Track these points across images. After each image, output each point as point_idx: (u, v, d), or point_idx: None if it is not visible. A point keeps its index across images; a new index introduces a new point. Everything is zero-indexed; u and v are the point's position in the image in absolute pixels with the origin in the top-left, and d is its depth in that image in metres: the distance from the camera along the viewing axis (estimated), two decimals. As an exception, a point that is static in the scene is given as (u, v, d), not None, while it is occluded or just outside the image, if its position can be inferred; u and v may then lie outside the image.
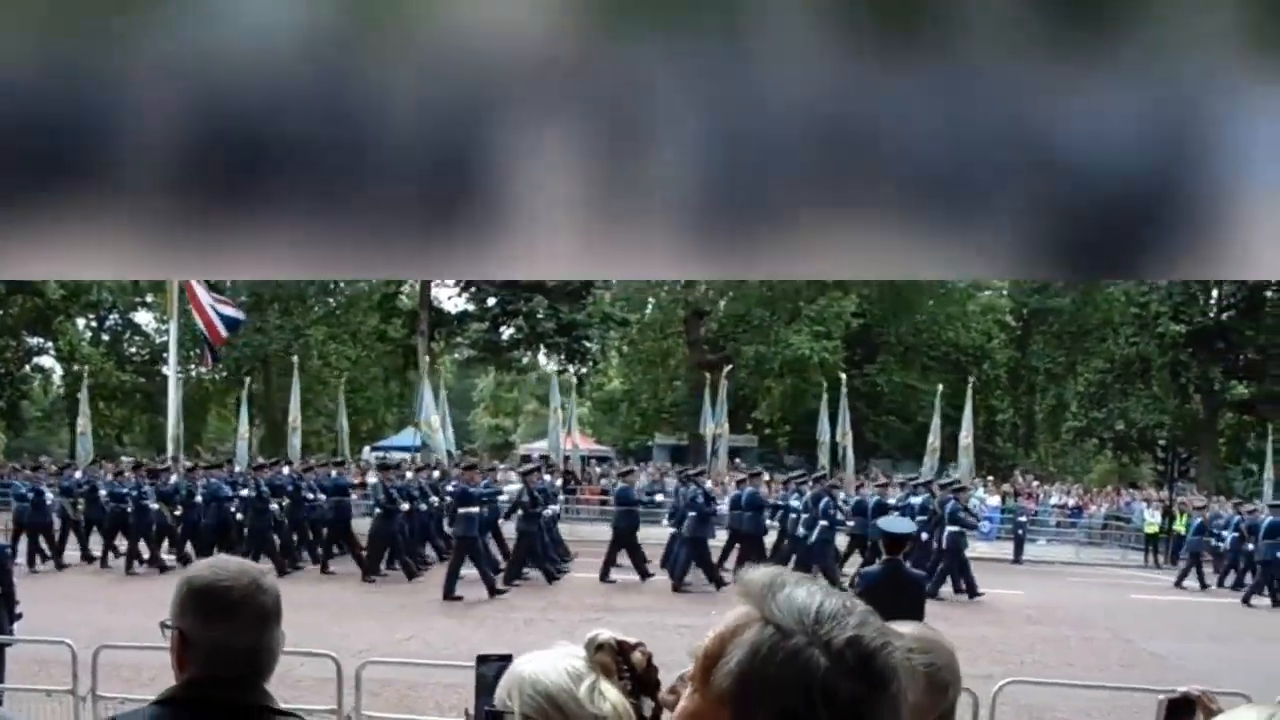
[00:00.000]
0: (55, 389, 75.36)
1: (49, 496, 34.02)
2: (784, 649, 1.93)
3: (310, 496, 34.34)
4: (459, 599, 27.33)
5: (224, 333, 51.35)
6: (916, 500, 34.08)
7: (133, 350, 71.24)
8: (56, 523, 34.92)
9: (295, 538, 34.17)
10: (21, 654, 14.69)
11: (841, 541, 33.32)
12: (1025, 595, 31.37)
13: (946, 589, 30.92)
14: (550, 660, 3.26)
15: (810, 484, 34.59)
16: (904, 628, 3.70)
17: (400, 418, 75.87)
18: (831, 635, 1.93)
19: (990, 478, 52.77)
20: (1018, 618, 27.67)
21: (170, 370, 51.56)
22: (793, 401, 60.37)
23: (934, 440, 48.06)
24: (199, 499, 33.69)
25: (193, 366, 62.10)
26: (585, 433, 72.35)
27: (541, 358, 65.08)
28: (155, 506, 33.56)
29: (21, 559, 32.11)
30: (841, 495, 35.17)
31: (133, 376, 68.13)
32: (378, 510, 31.88)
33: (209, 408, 75.16)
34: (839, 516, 32.58)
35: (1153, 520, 44.92)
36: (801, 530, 32.39)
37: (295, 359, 52.88)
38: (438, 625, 23.81)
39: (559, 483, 42.34)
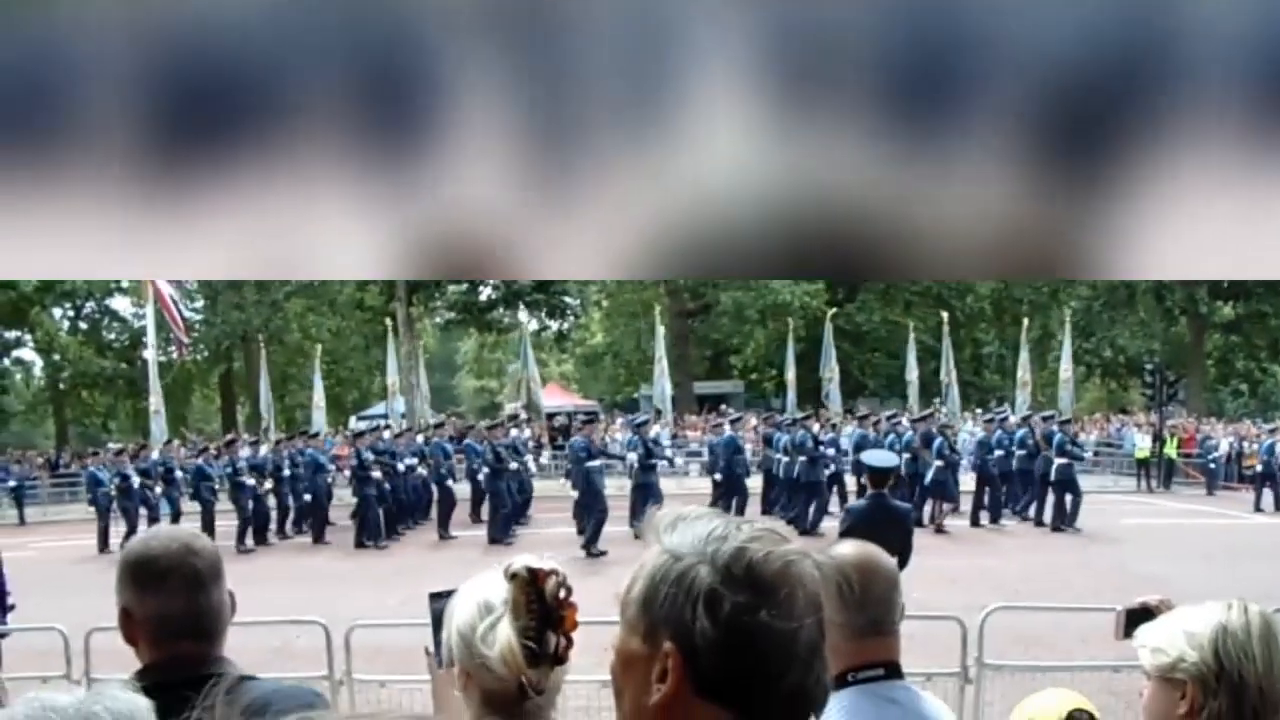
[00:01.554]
0: (36, 381, 75.08)
1: (135, 480, 33.63)
2: (675, 570, 2.09)
3: (405, 465, 34.15)
4: (604, 554, 27.27)
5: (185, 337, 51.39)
6: (1018, 434, 33.71)
7: (111, 337, 70.83)
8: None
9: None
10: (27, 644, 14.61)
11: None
12: (1020, 525, 31.33)
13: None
14: (475, 590, 3.28)
15: (909, 425, 34.80)
16: (842, 547, 3.66)
17: (384, 385, 75.76)
18: (718, 550, 2.08)
19: (978, 411, 52.77)
20: (1014, 547, 27.67)
21: (150, 354, 51.16)
22: (776, 346, 60.25)
23: (1024, 375, 48.85)
24: (287, 472, 33.79)
25: (171, 349, 61.77)
26: (570, 388, 72.34)
27: (522, 315, 64.78)
28: (251, 482, 33.31)
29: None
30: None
31: (114, 363, 67.79)
32: (487, 470, 31.82)
33: (192, 389, 74.99)
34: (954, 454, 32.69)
35: (1143, 445, 44.99)
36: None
37: (391, 320, 52.69)
38: (432, 588, 23.65)
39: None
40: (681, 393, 61.57)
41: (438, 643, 3.70)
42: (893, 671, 3.79)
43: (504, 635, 3.07)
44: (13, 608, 15.04)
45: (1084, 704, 3.87)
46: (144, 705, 2.20)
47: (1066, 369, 48.37)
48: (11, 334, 67.82)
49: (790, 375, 51.43)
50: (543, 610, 3.05)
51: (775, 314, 58.57)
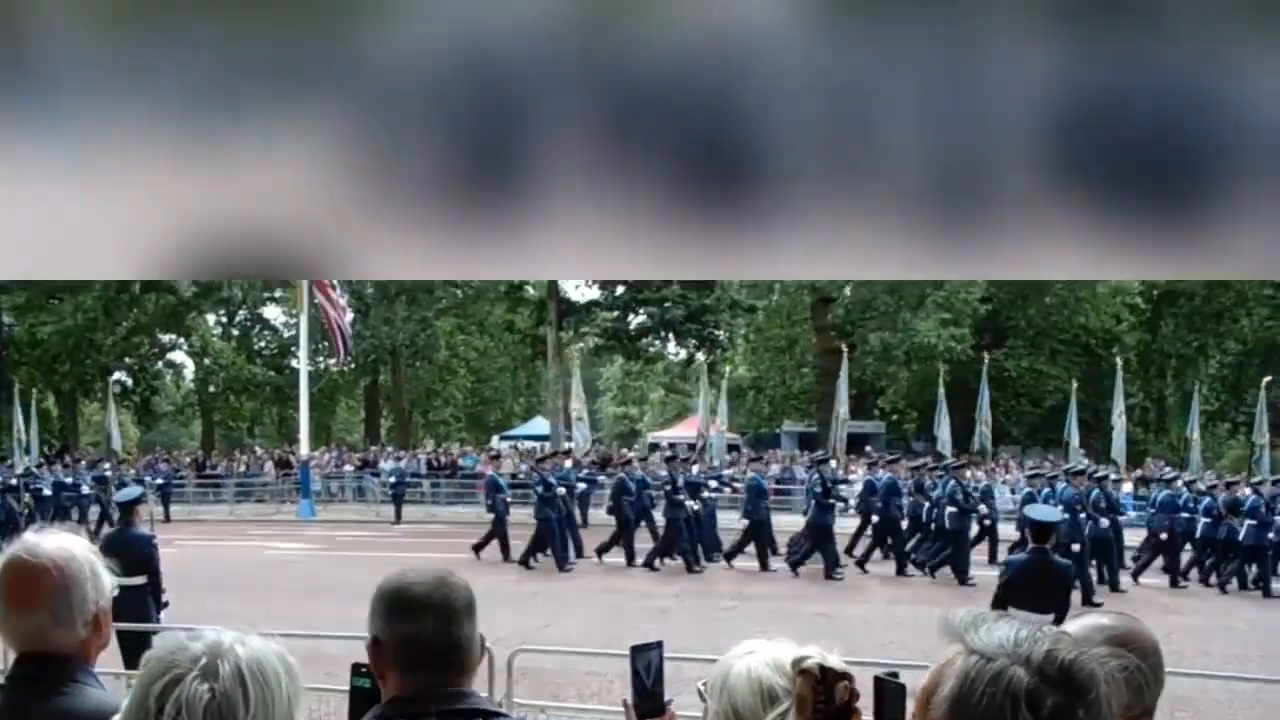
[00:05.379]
0: (186, 384, 76.42)
1: (560, 489, 32.85)
2: (989, 671, 2.13)
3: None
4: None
5: (346, 349, 51.32)
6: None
7: (262, 344, 72.10)
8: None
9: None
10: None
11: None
12: (1161, 582, 30.83)
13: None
14: (752, 668, 3.12)
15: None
16: (1105, 619, 3.62)
17: (527, 406, 76.42)
18: (1030, 652, 2.13)
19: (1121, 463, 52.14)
20: (1154, 607, 27.24)
21: (301, 364, 51.90)
22: (920, 388, 60.02)
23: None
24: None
25: (321, 359, 62.55)
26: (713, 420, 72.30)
27: (671, 346, 65.07)
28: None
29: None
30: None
31: (263, 370, 68.93)
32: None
33: (337, 399, 75.94)
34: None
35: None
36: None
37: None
38: (575, 613, 23.88)
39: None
40: (825, 431, 61.53)
41: (638, 692, 3.77)
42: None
43: None
44: (166, 604, 15.37)
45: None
46: (275, 651, 2.59)
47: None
48: (167, 338, 69.16)
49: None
50: (829, 713, 2.94)
51: (920, 356, 58.37)
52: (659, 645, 3.86)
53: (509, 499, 34.71)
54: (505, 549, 32.56)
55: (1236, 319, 62.25)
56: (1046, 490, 32.35)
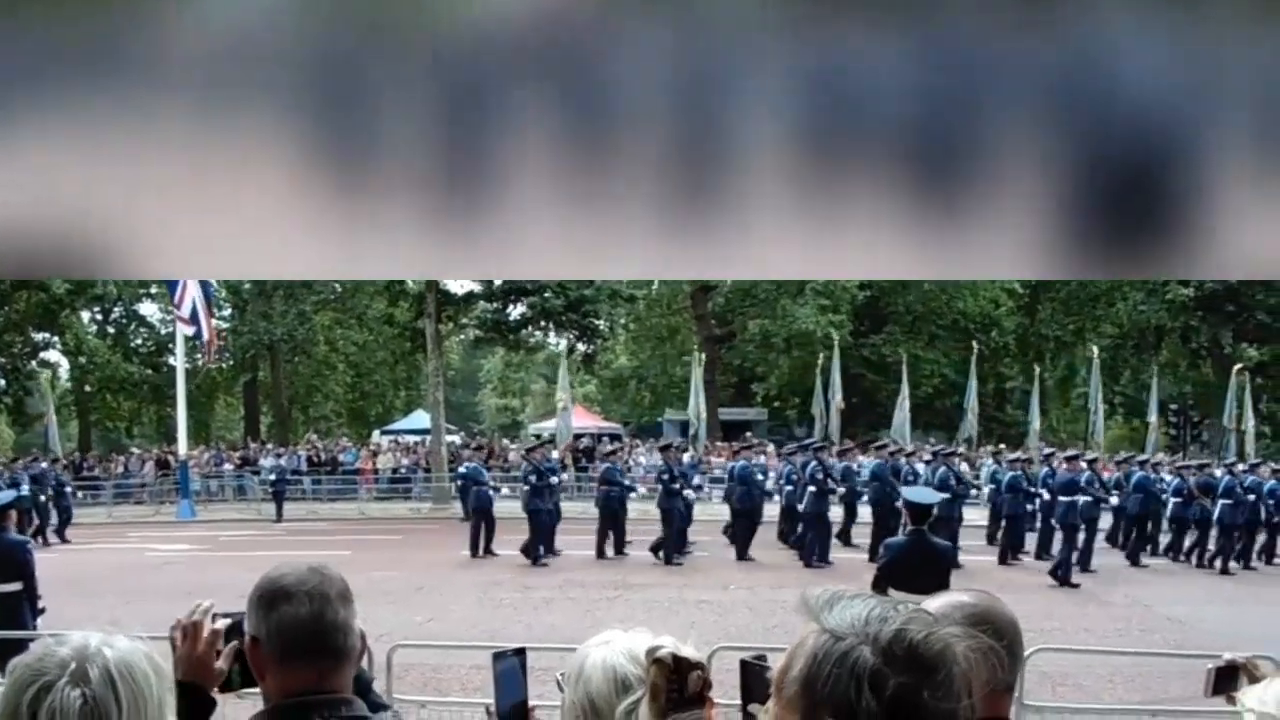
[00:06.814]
0: (61, 383, 75.37)
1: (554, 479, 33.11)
2: (837, 650, 2.10)
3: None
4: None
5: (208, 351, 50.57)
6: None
7: (138, 342, 71.16)
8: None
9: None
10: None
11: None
12: (1041, 563, 31.17)
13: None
14: (607, 658, 3.28)
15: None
16: (965, 597, 3.60)
17: (408, 400, 76.20)
18: (879, 631, 2.09)
19: (1002, 445, 52.73)
20: (1036, 585, 27.55)
21: (178, 361, 51.15)
22: (801, 375, 60.35)
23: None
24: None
25: (198, 357, 61.85)
26: (594, 410, 72.37)
27: (550, 336, 65.03)
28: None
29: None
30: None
31: (140, 368, 68.03)
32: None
33: (216, 397, 75.22)
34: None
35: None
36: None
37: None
38: (458, 607, 23.77)
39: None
40: (706, 418, 61.82)
41: (499, 701, 3.82)
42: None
43: None
44: (43, 610, 15.14)
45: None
46: (143, 651, 2.66)
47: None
48: (40, 336, 68.07)
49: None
50: (681, 701, 2.96)
51: (800, 343, 58.76)
52: (521, 651, 3.92)
53: (491, 491, 34.56)
54: (482, 539, 32.68)
55: (1112, 303, 63.09)
56: (1019, 473, 33.30)
